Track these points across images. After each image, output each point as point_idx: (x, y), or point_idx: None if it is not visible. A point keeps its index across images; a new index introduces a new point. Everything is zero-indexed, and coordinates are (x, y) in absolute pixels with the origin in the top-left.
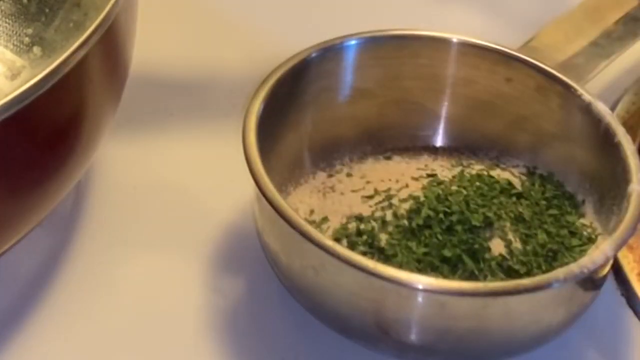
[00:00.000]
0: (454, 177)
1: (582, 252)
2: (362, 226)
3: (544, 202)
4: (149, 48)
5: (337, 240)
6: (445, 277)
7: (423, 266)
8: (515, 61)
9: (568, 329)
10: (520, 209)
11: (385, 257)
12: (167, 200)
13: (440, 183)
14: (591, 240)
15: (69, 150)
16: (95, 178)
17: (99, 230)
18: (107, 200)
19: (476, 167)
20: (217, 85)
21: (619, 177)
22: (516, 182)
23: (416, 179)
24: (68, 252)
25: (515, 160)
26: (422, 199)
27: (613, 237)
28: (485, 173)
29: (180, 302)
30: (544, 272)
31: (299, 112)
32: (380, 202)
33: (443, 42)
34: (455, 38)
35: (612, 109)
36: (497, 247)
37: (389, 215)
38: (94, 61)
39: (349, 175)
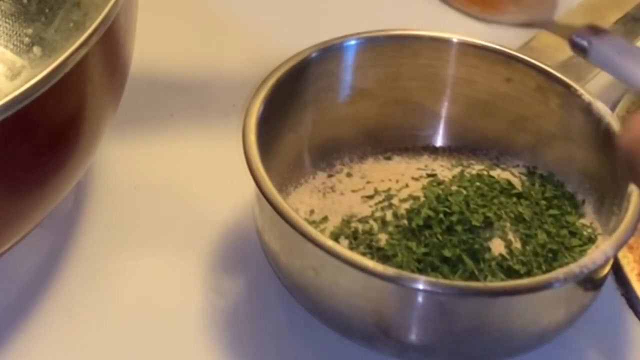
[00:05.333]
0: (454, 177)
1: (582, 252)
2: (362, 226)
3: (544, 202)
4: (149, 48)
5: (337, 240)
6: (445, 277)
7: (423, 266)
8: (515, 61)
9: (568, 329)
10: (520, 209)
11: (385, 257)
12: (167, 201)
13: (440, 183)
14: (591, 240)
15: (69, 150)
16: (95, 178)
17: (99, 230)
18: (107, 200)
19: (476, 167)
20: (217, 85)
21: (619, 177)
22: (516, 182)
23: (416, 179)
24: (68, 252)
25: (515, 160)
26: (422, 199)
27: (613, 237)
28: (485, 173)
29: (180, 302)
30: (544, 272)
31: (299, 112)
32: (380, 202)
33: (443, 42)
34: (455, 38)
35: (612, 109)
36: (497, 247)
37: (389, 215)
38: (94, 61)
39: (349, 175)
